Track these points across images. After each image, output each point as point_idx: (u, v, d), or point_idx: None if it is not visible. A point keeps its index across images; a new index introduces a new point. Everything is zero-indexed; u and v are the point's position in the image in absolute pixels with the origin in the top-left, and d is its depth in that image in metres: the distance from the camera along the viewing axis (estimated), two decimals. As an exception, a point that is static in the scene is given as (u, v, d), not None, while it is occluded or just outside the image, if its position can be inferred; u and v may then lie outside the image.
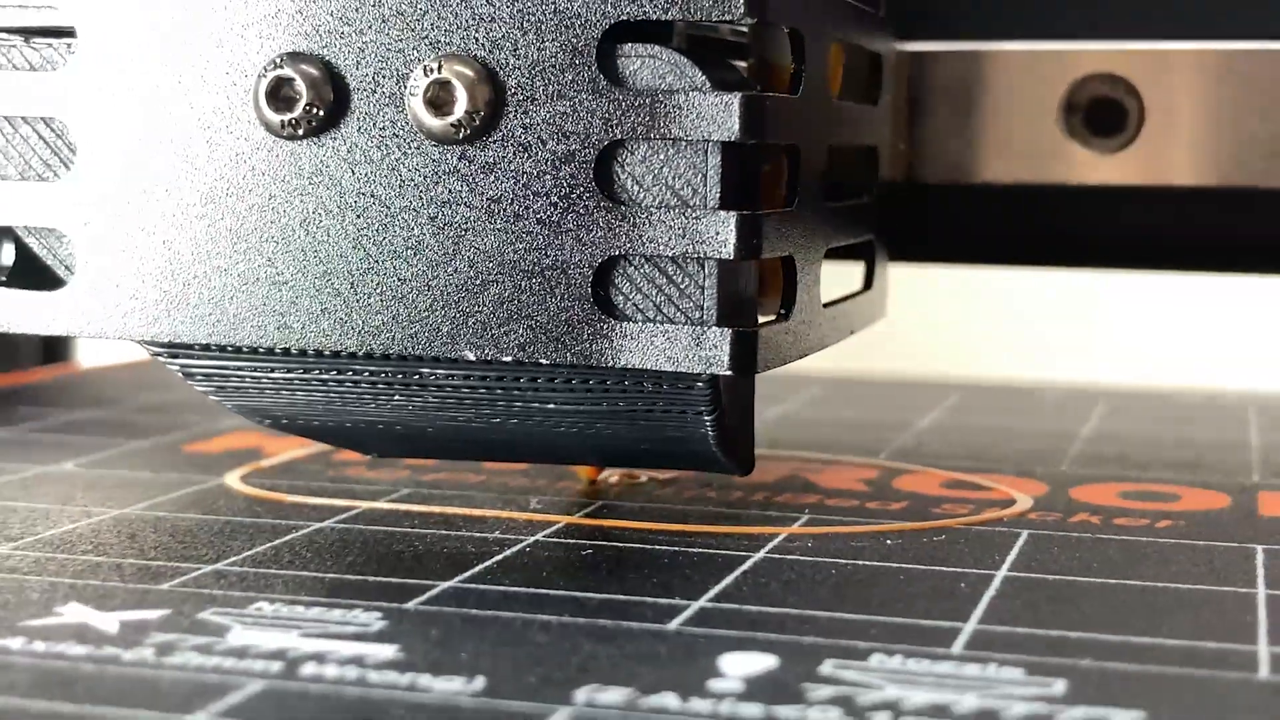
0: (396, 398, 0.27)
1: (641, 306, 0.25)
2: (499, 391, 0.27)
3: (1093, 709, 0.21)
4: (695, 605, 0.25)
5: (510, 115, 0.25)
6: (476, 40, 0.25)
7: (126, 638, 0.23)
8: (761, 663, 0.22)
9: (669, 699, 0.21)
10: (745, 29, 0.27)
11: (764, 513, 0.31)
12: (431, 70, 0.25)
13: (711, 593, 0.26)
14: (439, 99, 0.25)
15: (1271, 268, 0.39)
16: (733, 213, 0.24)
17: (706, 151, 0.24)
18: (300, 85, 0.25)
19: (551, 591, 0.26)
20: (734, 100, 0.24)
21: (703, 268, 0.25)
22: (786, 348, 0.26)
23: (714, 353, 0.25)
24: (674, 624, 0.24)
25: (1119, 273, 0.41)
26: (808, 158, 0.27)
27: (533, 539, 0.29)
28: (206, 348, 0.27)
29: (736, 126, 0.24)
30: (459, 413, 0.28)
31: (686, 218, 0.24)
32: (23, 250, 0.27)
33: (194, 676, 0.21)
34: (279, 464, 0.35)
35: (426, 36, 0.25)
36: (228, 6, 0.26)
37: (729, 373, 0.25)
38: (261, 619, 0.24)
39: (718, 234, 0.24)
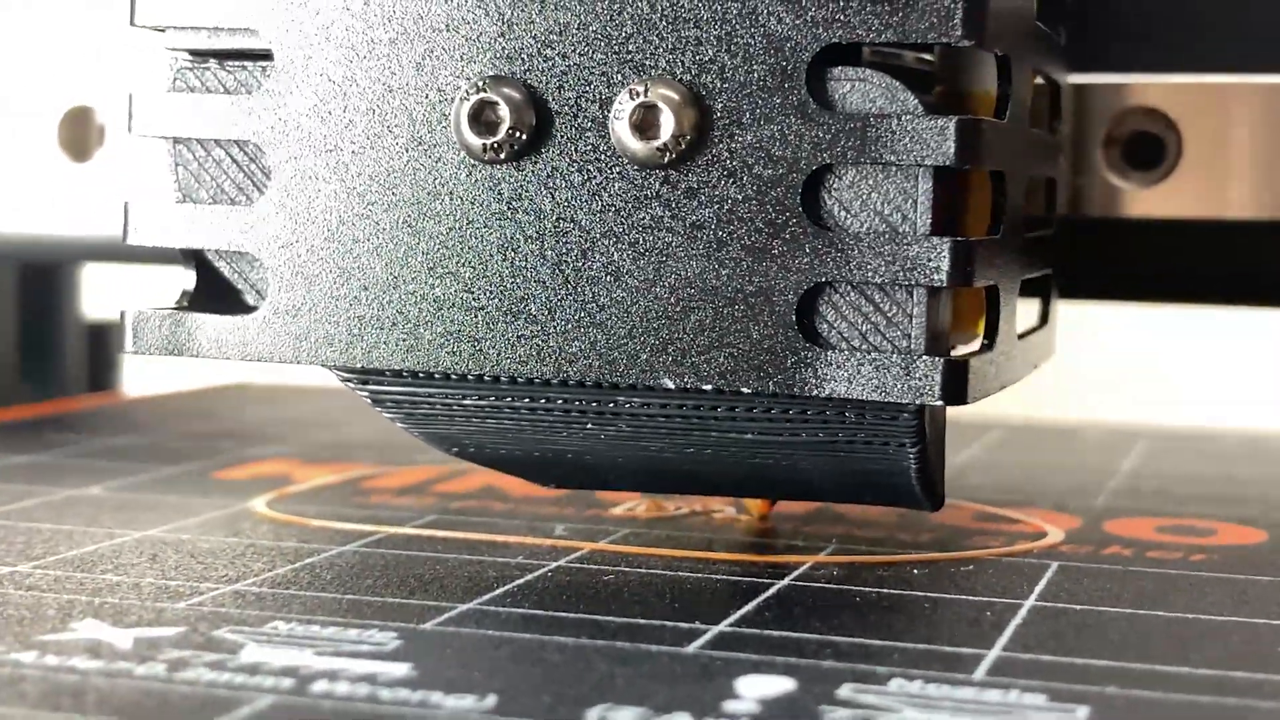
0: (590, 426, 0.27)
1: (847, 335, 0.24)
2: (695, 421, 0.26)
3: (1115, 735, 0.21)
4: (715, 629, 0.25)
5: (716, 139, 0.24)
6: (683, 63, 0.24)
7: (139, 653, 0.23)
8: (779, 685, 0.22)
9: (683, 719, 0.21)
10: (933, 58, 0.27)
11: (791, 542, 0.31)
12: (637, 94, 0.24)
13: (733, 617, 0.25)
14: (644, 122, 0.24)
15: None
16: (947, 239, 0.24)
17: (918, 177, 0.24)
18: (503, 109, 0.25)
19: (570, 614, 0.25)
20: (949, 124, 0.24)
21: (911, 295, 0.24)
22: (990, 378, 0.26)
23: (925, 382, 0.24)
24: (692, 647, 0.24)
25: (1161, 307, 0.41)
26: (1011, 186, 0.26)
27: (555, 564, 0.29)
28: (399, 374, 0.27)
29: (952, 151, 0.24)
30: (652, 443, 0.27)
31: (897, 244, 0.24)
32: (208, 274, 0.27)
33: (204, 691, 0.21)
34: (307, 490, 0.35)
35: (631, 59, 0.24)
36: (429, 29, 0.25)
37: (940, 403, 0.24)
38: (276, 637, 0.24)
39: (930, 260, 0.24)
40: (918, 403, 0.24)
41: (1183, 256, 0.39)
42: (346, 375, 0.27)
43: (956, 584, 0.28)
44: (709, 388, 0.25)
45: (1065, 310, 0.41)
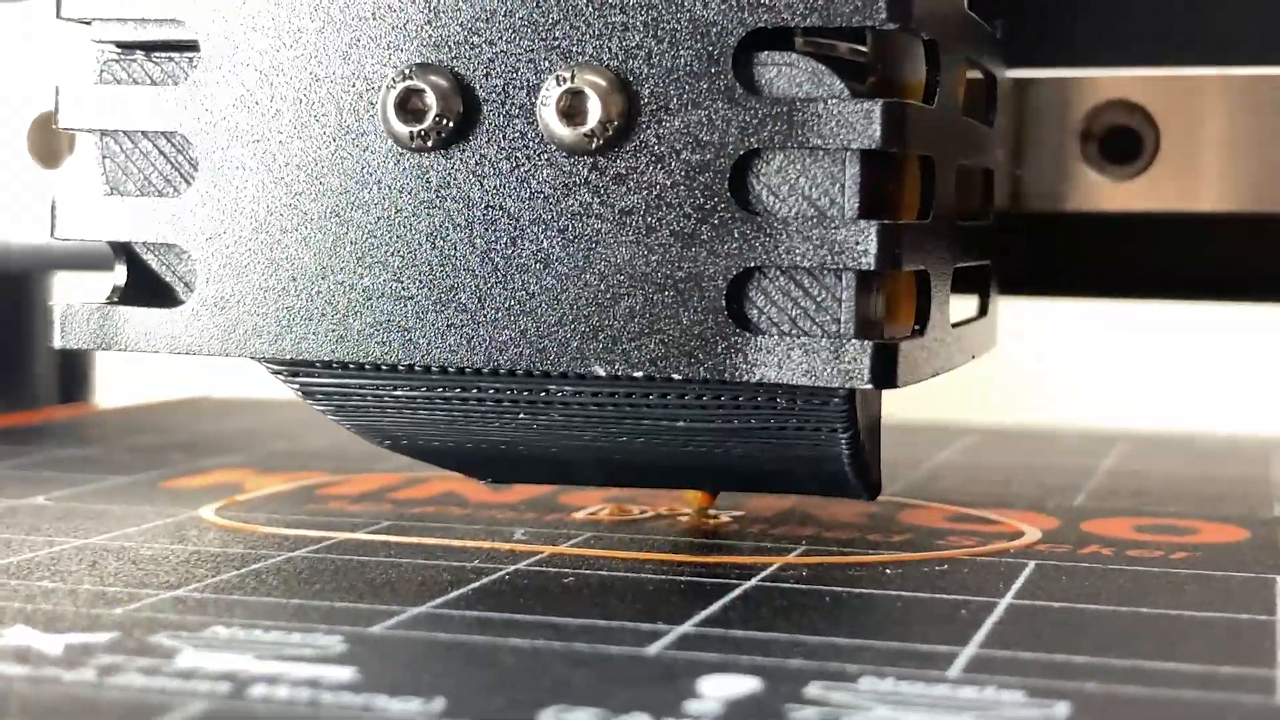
0: (521, 416, 0.27)
1: (777, 320, 0.24)
2: (628, 409, 0.26)
3: (1097, 731, 0.19)
4: (678, 630, 0.24)
5: (643, 125, 0.24)
6: (609, 49, 0.24)
7: (70, 659, 0.22)
8: (743, 685, 0.21)
9: (641, 719, 0.20)
10: (865, 48, 0.26)
11: (759, 544, 0.30)
12: (564, 80, 0.24)
13: (697, 618, 0.24)
14: (571, 109, 0.24)
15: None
16: (874, 222, 0.24)
17: (845, 161, 0.24)
18: (430, 96, 0.24)
19: (527, 617, 0.24)
20: (875, 107, 0.23)
21: (840, 279, 0.24)
22: (922, 364, 0.26)
23: (854, 366, 0.24)
24: (654, 648, 0.23)
25: (1137, 303, 0.40)
26: (940, 172, 0.26)
27: (513, 568, 0.28)
28: (329, 366, 0.26)
29: (878, 134, 0.23)
30: (585, 432, 0.27)
31: (825, 228, 0.24)
32: (138, 267, 0.27)
33: (135, 697, 0.20)
34: (258, 498, 0.34)
35: (558, 46, 0.24)
36: (355, 17, 0.25)
37: (869, 386, 0.24)
38: (215, 642, 0.23)
39: (858, 244, 0.24)
40: (847, 387, 0.24)
41: (1160, 251, 0.38)
42: (276, 367, 0.27)
43: (930, 583, 0.27)
44: (640, 375, 0.24)
45: (1039, 310, 0.40)
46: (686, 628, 0.24)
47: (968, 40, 0.28)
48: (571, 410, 0.26)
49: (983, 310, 0.32)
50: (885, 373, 0.24)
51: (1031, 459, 0.41)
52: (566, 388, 0.26)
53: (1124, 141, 0.37)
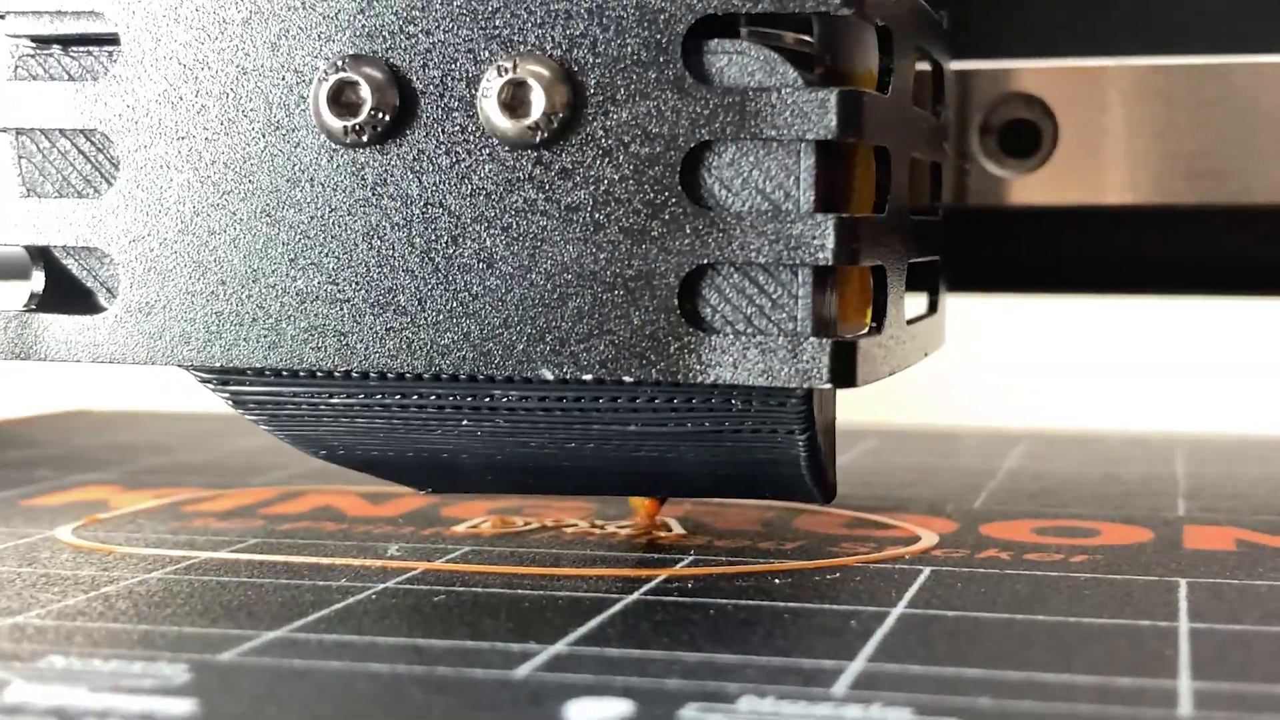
0: (465, 423, 0.26)
1: (731, 318, 0.23)
2: (576, 414, 0.25)
3: (987, 751, 0.18)
4: (550, 650, 0.22)
5: (590, 117, 0.23)
6: (553, 38, 0.23)
7: (-115, 697, 0.20)
8: (613, 709, 0.20)
9: (500, 751, 0.18)
10: (810, 38, 0.25)
11: (645, 555, 0.29)
12: (505, 70, 0.23)
13: (571, 637, 0.23)
14: (514, 100, 0.23)
15: (1192, 289, 0.37)
16: (830, 216, 0.23)
17: (800, 152, 0.23)
18: (364, 89, 0.23)
19: (389, 639, 0.23)
20: (830, 96, 0.22)
21: (796, 275, 0.23)
22: (879, 361, 0.25)
23: (812, 365, 0.23)
24: (523, 670, 0.21)
25: (1039, 299, 0.39)
26: (895, 164, 0.25)
27: (381, 586, 0.26)
28: (260, 373, 0.25)
29: (834, 124, 0.22)
30: (531, 438, 0.26)
31: (780, 222, 0.23)
32: (57, 273, 0.25)
33: (-50, 738, 0.19)
34: (121, 516, 0.32)
35: (498, 35, 0.23)
36: (284, 7, 0.24)
37: (828, 386, 0.23)
38: (49, 674, 0.21)
39: (814, 238, 0.23)
40: (805, 386, 0.23)
41: (1060, 245, 0.37)
42: (205, 376, 0.26)
43: (820, 593, 0.26)
44: (589, 378, 0.23)
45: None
46: (559, 647, 0.22)
47: (919, 28, 0.28)
48: (518, 416, 0.25)
49: (932, 307, 0.31)
50: (845, 372, 0.23)
51: (932, 461, 0.40)
52: (512, 393, 0.25)
53: (1023, 134, 0.37)
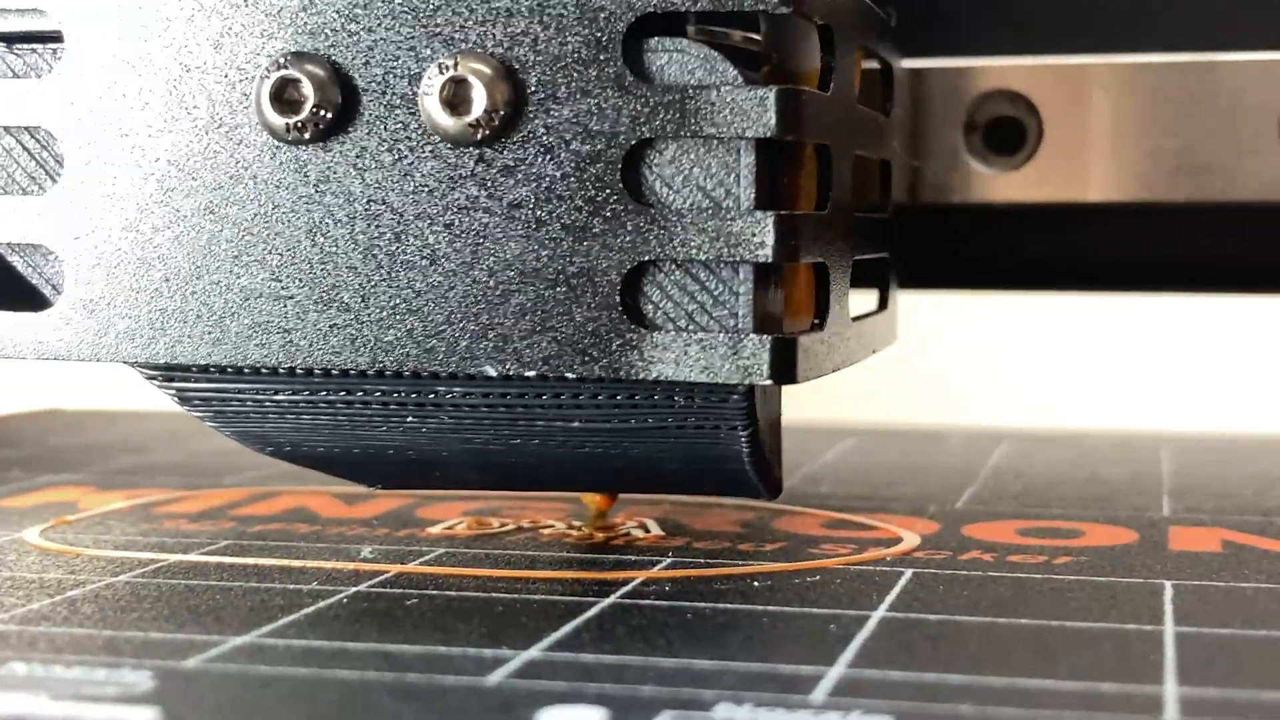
0: (410, 420, 0.26)
1: (673, 315, 0.23)
2: (520, 410, 0.25)
3: (969, 761, 0.18)
4: (523, 656, 0.22)
5: (531, 114, 0.23)
6: (494, 36, 0.23)
7: None
8: (587, 717, 0.19)
9: (469, 761, 0.18)
10: (757, 36, 0.25)
11: (622, 557, 0.28)
12: (447, 68, 0.23)
13: (545, 642, 0.22)
14: (455, 98, 0.23)
15: (1177, 286, 0.37)
16: (770, 213, 0.23)
17: (740, 150, 0.23)
18: (306, 86, 0.23)
19: (359, 645, 0.22)
20: (769, 95, 0.23)
21: (737, 272, 0.23)
22: (822, 358, 0.25)
23: (753, 361, 0.23)
24: (495, 677, 0.21)
25: (1024, 296, 0.39)
26: (837, 161, 0.25)
27: (354, 590, 0.26)
28: (205, 370, 0.25)
29: (773, 122, 0.23)
30: (476, 434, 0.26)
31: (720, 220, 0.23)
32: (3, 270, 0.25)
33: (-96, 749, 0.18)
34: (91, 517, 0.32)
35: (440, 33, 0.23)
36: (226, 4, 0.24)
37: (769, 382, 0.23)
38: (10, 681, 0.20)
39: (754, 236, 0.23)
40: (746, 383, 0.23)
41: (1045, 241, 0.37)
42: (150, 372, 0.26)
43: (800, 596, 0.25)
44: (532, 374, 0.23)
45: (923, 305, 0.39)
46: (533, 653, 0.22)
47: (863, 27, 0.28)
48: (462, 412, 0.25)
49: (882, 304, 0.31)
50: (785, 368, 0.23)
51: (913, 460, 0.40)
52: (456, 389, 0.25)
53: (1008, 132, 0.36)
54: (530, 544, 0.29)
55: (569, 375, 0.23)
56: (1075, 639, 0.23)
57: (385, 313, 0.24)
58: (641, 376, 0.23)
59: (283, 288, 0.24)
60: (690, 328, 0.23)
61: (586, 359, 0.23)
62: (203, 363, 0.24)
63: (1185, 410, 0.60)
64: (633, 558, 0.28)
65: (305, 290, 0.24)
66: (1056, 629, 0.23)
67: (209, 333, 0.24)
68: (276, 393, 0.25)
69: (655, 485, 0.30)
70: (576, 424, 0.25)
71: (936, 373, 0.61)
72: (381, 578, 0.26)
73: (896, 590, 0.26)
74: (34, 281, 0.25)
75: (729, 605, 0.25)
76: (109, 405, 0.52)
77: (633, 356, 0.23)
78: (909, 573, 0.27)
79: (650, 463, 0.26)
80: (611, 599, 0.25)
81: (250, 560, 0.28)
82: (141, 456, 0.41)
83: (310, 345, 0.24)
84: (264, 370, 0.25)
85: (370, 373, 0.24)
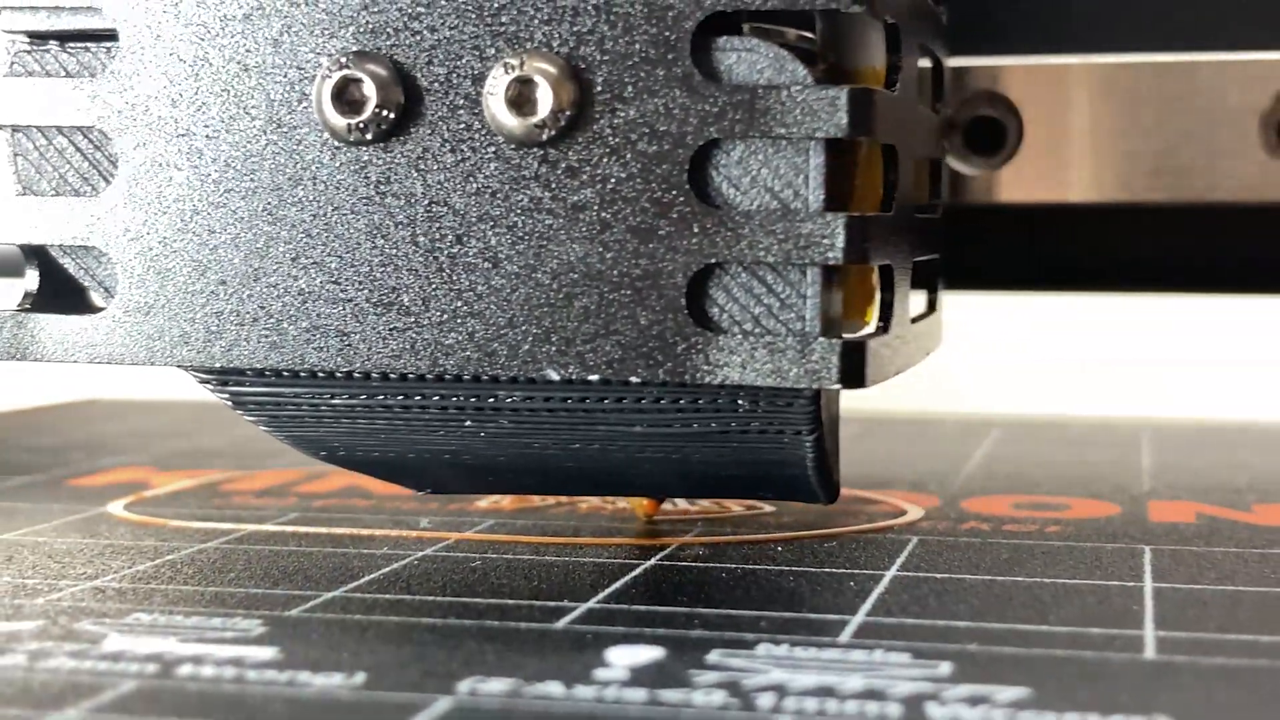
0: (469, 424, 0.25)
1: (739, 318, 0.23)
2: (581, 415, 0.25)
3: (978, 686, 0.21)
4: (584, 606, 0.25)
5: (597, 115, 0.23)
6: (560, 35, 0.23)
7: (-2, 647, 0.22)
8: (649, 654, 0.22)
9: (553, 687, 0.21)
10: (811, 35, 0.25)
11: (656, 527, 0.31)
12: (512, 67, 0.23)
13: (601, 595, 0.25)
14: (520, 98, 0.23)
15: (1157, 286, 0.39)
16: (841, 215, 0.23)
17: (809, 150, 0.23)
18: (368, 86, 0.23)
19: (437, 598, 0.25)
20: (841, 94, 0.22)
21: (805, 275, 0.23)
22: (887, 362, 0.25)
23: (822, 365, 0.23)
24: (561, 623, 0.24)
25: (1004, 295, 0.41)
26: (902, 161, 0.25)
27: (421, 554, 0.29)
28: (261, 374, 0.25)
29: (845, 122, 0.22)
30: (536, 439, 0.26)
31: (789, 222, 0.23)
32: (54, 272, 0.25)
33: (67, 678, 0.21)
34: (164, 494, 0.35)
35: (504, 32, 0.23)
36: (286, 2, 0.23)
37: (838, 386, 0.23)
38: (138, 627, 0.23)
39: (824, 238, 0.23)
40: (815, 387, 0.23)
41: (1025, 242, 0.39)
42: (204, 376, 0.26)
43: (819, 559, 0.28)
44: (595, 378, 0.23)
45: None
46: (591, 604, 0.25)
47: (922, 25, 0.28)
48: (521, 417, 0.25)
49: (931, 306, 0.31)
50: (854, 372, 0.23)
51: (910, 445, 0.43)
52: (517, 393, 0.25)
53: (988, 132, 0.38)
54: (572, 515, 0.32)
55: (633, 379, 0.23)
56: (1065, 593, 0.26)
57: (446, 315, 0.23)
58: (707, 380, 0.23)
59: (341, 290, 0.24)
60: (757, 331, 0.23)
61: (651, 363, 0.23)
62: (259, 366, 0.24)
63: (1165, 399, 0.63)
64: (667, 526, 0.31)
65: (364, 293, 0.24)
66: (1049, 585, 0.26)
67: (266, 336, 0.24)
68: (333, 397, 0.25)
69: (714, 490, 0.29)
70: (638, 428, 0.25)
71: (930, 363, 0.64)
72: (443, 544, 0.29)
73: (905, 554, 0.29)
74: (86, 284, 0.25)
75: (757, 566, 0.28)
76: (142, 396, 0.55)
77: (698, 360, 0.23)
78: (915, 539, 0.30)
79: (711, 468, 0.26)
80: (653, 560, 0.28)
81: (322, 529, 0.31)
82: (189, 441, 0.43)
83: (369, 348, 0.24)
84: (321, 374, 0.25)
85: (430, 377, 0.24)
